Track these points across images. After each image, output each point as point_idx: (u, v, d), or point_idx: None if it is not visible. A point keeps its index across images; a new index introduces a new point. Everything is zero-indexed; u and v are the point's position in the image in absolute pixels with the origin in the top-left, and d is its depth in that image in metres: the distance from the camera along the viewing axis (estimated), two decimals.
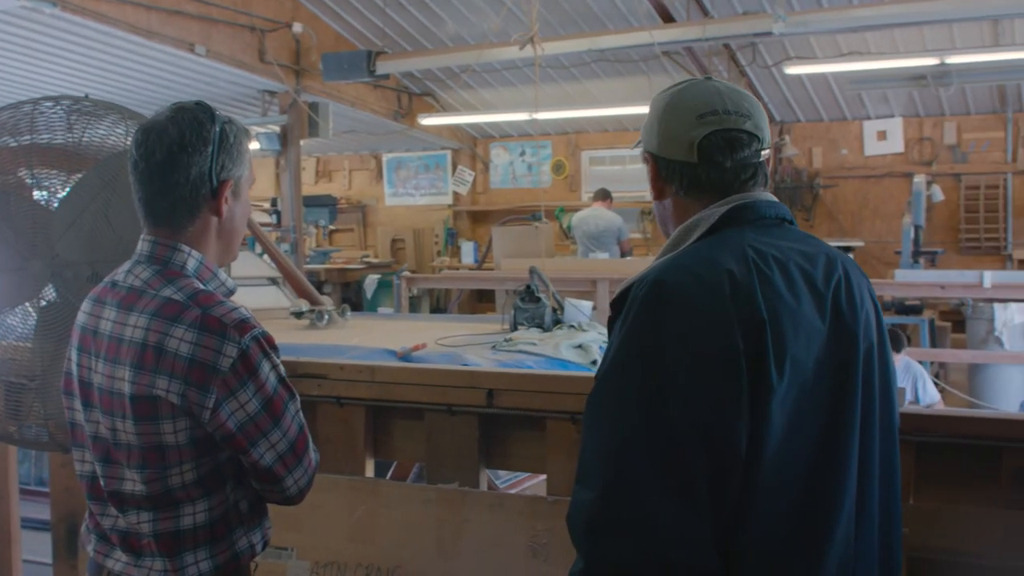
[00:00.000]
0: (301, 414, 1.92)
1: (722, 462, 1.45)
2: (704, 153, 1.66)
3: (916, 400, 6.03)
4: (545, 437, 2.75)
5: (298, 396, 1.93)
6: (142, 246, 1.90)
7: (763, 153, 1.71)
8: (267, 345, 1.84)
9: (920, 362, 7.62)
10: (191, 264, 1.87)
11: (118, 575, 1.90)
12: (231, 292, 1.93)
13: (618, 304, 1.62)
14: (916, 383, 6.12)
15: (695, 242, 1.64)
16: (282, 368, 1.89)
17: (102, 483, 1.90)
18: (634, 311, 1.53)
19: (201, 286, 1.86)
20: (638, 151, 1.83)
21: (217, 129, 1.86)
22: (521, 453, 2.86)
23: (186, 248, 1.87)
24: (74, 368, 1.94)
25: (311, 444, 1.96)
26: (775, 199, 1.72)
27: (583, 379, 2.78)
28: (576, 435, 2.70)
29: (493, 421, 2.85)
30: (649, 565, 1.41)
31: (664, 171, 1.73)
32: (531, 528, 2.64)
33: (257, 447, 1.83)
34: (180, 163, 1.82)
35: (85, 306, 1.95)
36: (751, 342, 1.48)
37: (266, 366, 1.83)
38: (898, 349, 5.79)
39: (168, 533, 1.85)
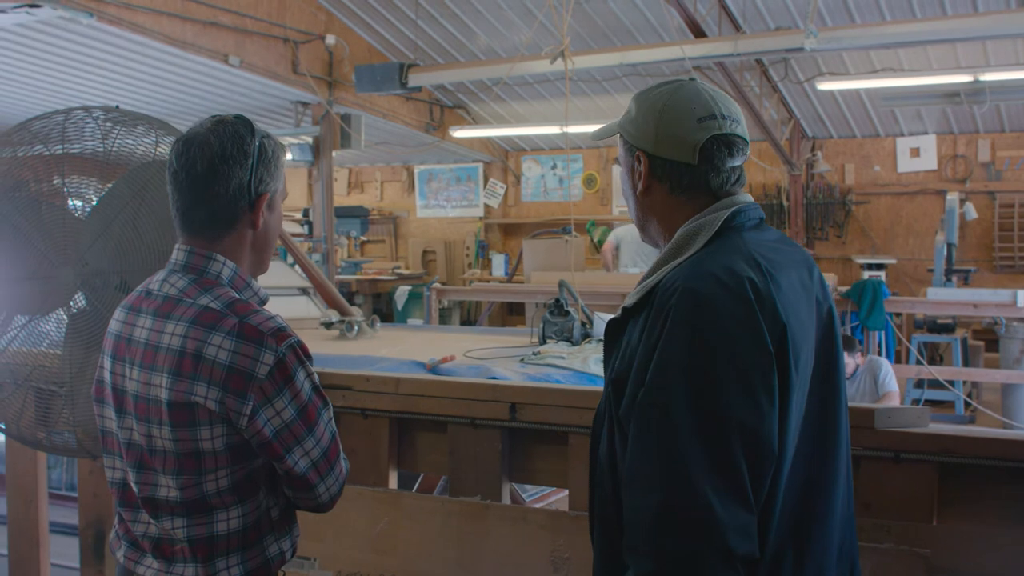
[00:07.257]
0: (333, 422, 1.96)
1: (761, 458, 1.55)
2: (705, 156, 1.74)
3: (876, 390, 6.18)
4: (567, 452, 2.76)
5: (331, 404, 1.96)
6: (177, 255, 1.93)
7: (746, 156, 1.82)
8: (302, 354, 1.87)
9: (951, 382, 7.57)
10: (226, 274, 1.91)
11: None
12: (263, 302, 1.96)
13: (639, 308, 1.70)
14: (885, 377, 6.21)
15: (703, 248, 1.70)
16: (316, 377, 1.92)
17: (135, 489, 1.92)
18: (671, 319, 1.58)
19: (236, 295, 1.89)
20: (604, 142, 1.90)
21: (256, 143, 1.91)
22: (544, 467, 2.86)
23: (221, 258, 1.91)
24: (107, 375, 1.96)
25: (342, 452, 1.99)
26: (752, 199, 1.81)
27: None
28: None
29: (516, 435, 2.85)
30: (715, 557, 1.48)
31: (658, 169, 1.78)
32: (553, 543, 2.63)
33: (292, 454, 1.86)
34: (221, 175, 1.87)
35: (118, 314, 1.98)
36: (777, 346, 1.58)
37: (301, 374, 1.86)
38: (850, 351, 6.05)
39: (202, 539, 1.88)
